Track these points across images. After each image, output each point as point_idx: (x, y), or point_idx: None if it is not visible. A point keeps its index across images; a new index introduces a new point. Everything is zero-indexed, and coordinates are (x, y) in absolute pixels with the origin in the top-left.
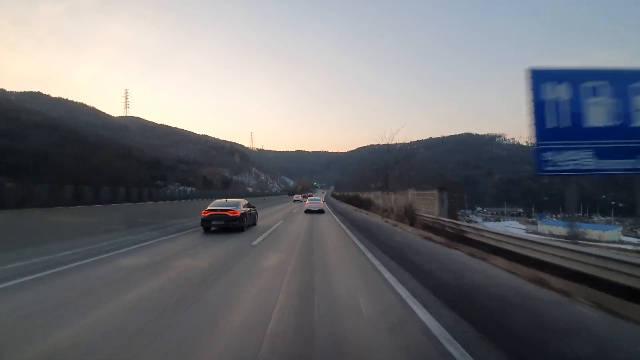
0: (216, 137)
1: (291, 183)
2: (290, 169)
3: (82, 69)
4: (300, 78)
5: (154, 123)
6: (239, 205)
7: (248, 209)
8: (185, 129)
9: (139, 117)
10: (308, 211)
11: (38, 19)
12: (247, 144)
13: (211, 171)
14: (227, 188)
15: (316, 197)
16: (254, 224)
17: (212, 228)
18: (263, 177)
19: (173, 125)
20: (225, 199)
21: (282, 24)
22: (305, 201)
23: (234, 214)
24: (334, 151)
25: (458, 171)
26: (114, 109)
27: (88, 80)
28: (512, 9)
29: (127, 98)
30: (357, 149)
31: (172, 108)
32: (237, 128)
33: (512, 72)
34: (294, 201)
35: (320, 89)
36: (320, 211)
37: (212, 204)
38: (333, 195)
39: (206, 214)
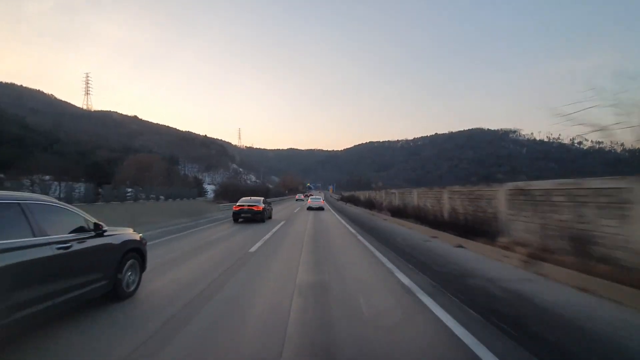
0: (205, 135)
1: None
2: (282, 168)
3: (69, 64)
4: (293, 76)
5: (119, 114)
6: (260, 202)
7: (266, 205)
8: (165, 124)
9: (103, 110)
10: (310, 208)
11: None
12: (235, 142)
13: (141, 159)
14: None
15: (317, 196)
16: (270, 217)
17: (240, 220)
18: (244, 175)
19: (154, 121)
20: (249, 197)
21: (276, 22)
22: (308, 200)
23: (258, 209)
24: (329, 149)
25: (476, 168)
26: (95, 103)
27: (74, 75)
28: (515, 7)
29: (87, 83)
30: (354, 146)
31: (161, 107)
32: (228, 127)
33: (519, 68)
34: (297, 200)
35: (314, 87)
36: (320, 208)
37: (240, 200)
38: (346, 199)
39: (236, 209)
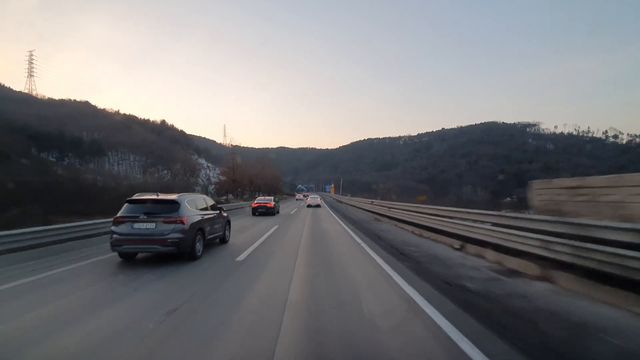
0: (162, 121)
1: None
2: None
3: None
4: (283, 71)
5: (67, 100)
6: (272, 200)
7: (276, 203)
8: (118, 111)
9: (53, 98)
10: (309, 206)
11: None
12: (220, 140)
13: None
14: None
15: (314, 195)
16: (278, 212)
17: (257, 214)
18: (209, 171)
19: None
20: (264, 196)
21: (265, 16)
22: (308, 198)
23: (271, 205)
24: (322, 147)
25: (501, 165)
26: (64, 94)
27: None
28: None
29: (30, 63)
30: (351, 143)
31: (151, 105)
32: (214, 125)
33: (530, 61)
34: (297, 200)
35: (306, 82)
36: (318, 206)
37: (257, 199)
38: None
39: (255, 205)
